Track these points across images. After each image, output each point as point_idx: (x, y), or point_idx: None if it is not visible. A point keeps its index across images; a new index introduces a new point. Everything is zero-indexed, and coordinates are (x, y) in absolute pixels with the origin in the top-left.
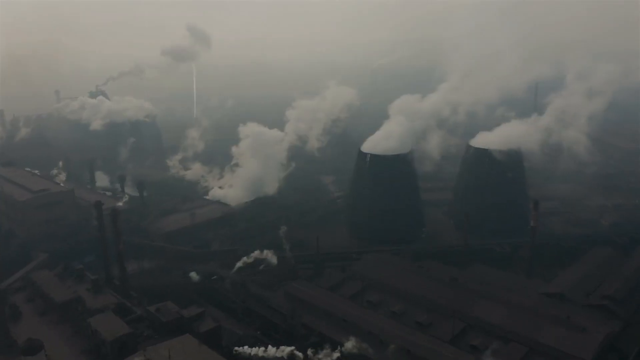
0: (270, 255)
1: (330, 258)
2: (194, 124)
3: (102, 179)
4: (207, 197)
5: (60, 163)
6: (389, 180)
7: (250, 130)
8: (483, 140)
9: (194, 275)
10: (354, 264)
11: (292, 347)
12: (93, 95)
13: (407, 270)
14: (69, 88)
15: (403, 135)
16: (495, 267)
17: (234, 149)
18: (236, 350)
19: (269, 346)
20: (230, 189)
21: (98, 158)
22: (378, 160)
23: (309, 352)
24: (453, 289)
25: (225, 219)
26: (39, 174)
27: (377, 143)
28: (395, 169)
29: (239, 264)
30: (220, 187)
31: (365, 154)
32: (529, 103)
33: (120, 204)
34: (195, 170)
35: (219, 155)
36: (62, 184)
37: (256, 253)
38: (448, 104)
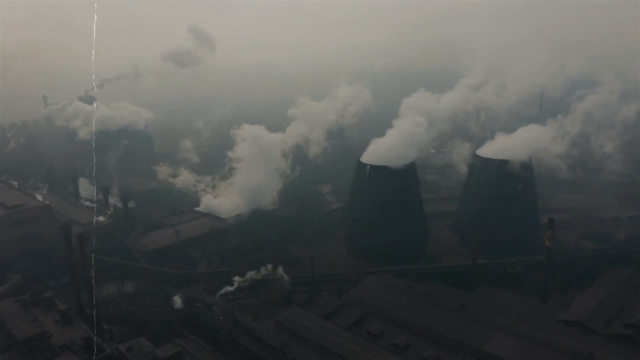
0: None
1: (327, 280)
2: (192, 130)
3: (89, 190)
4: (199, 209)
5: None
6: (391, 194)
7: (247, 133)
8: (490, 149)
9: (177, 300)
10: (352, 287)
11: None
12: (82, 100)
13: (411, 296)
14: (62, 91)
15: (406, 145)
16: (506, 289)
17: (229, 154)
18: None
19: None
20: (223, 199)
21: (85, 167)
22: (378, 172)
23: None
24: (462, 317)
25: (214, 235)
26: (17, 186)
27: (378, 153)
28: (397, 182)
29: (223, 290)
30: (215, 197)
31: (364, 165)
32: (533, 111)
33: (102, 218)
34: (185, 179)
35: (216, 162)
36: (41, 197)
37: (250, 274)
38: (468, 103)
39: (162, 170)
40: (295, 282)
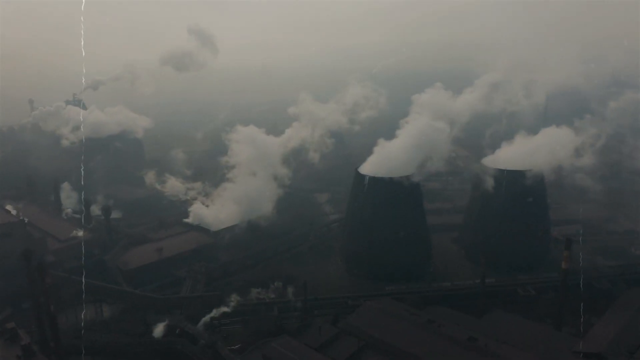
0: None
1: (321, 305)
2: (187, 134)
3: (74, 199)
4: (188, 220)
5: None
6: (391, 207)
7: (242, 136)
8: (498, 158)
9: (157, 329)
10: (349, 312)
11: None
12: (71, 104)
13: (414, 326)
14: (55, 92)
15: (408, 154)
16: (517, 313)
17: (223, 160)
18: None
19: None
20: (214, 209)
21: (71, 175)
22: (378, 183)
23: None
24: (471, 351)
25: (202, 251)
26: None
27: (378, 163)
28: (399, 194)
29: (206, 318)
30: (207, 205)
31: (363, 176)
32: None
33: (80, 233)
34: (174, 186)
35: (210, 168)
36: (18, 210)
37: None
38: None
39: (152, 178)
40: (286, 308)
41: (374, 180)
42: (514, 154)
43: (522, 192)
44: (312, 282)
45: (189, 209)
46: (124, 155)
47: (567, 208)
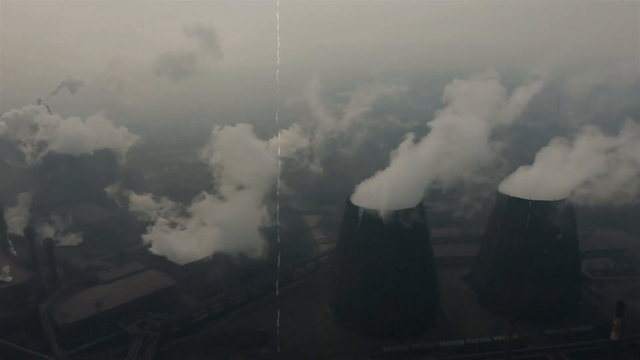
0: None
1: None
2: (170, 141)
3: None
4: (153, 250)
5: None
6: (391, 247)
7: (225, 138)
8: (518, 183)
9: None
10: None
11: None
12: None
13: None
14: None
15: (412, 183)
16: None
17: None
18: None
19: None
20: (184, 235)
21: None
22: (375, 217)
23: None
24: None
25: (161, 296)
26: None
27: (375, 191)
28: (400, 231)
29: None
30: (180, 226)
31: (356, 208)
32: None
33: (10, 278)
34: (144, 205)
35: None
36: None
37: None
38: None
39: (117, 194)
40: None
41: (370, 213)
42: (536, 179)
43: (550, 227)
44: (293, 337)
45: (151, 238)
46: (91, 168)
47: (593, 235)
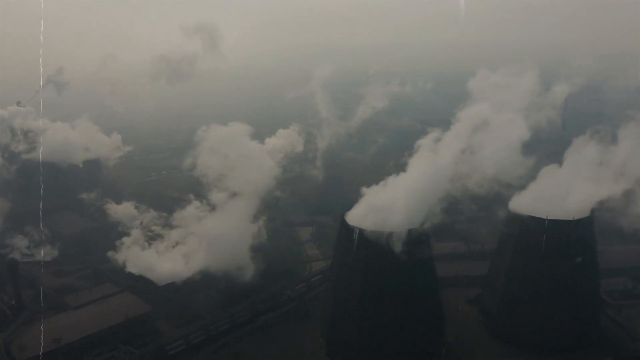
0: None
1: None
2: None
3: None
4: (128, 269)
5: None
6: (389, 272)
7: (214, 140)
8: (530, 199)
9: None
10: None
11: None
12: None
13: None
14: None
15: (414, 202)
16: None
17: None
18: None
19: None
20: (165, 252)
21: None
22: (372, 239)
23: None
24: None
25: (133, 324)
26: None
27: (373, 211)
28: (401, 255)
29: None
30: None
31: (352, 229)
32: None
33: None
34: (126, 215)
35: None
36: None
37: None
38: None
39: (103, 204)
40: None
41: (367, 235)
42: (550, 195)
43: (568, 249)
44: None
45: (122, 258)
46: (73, 174)
47: (610, 251)
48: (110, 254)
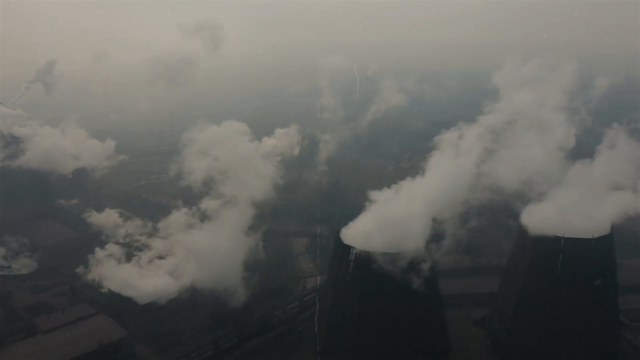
0: None
1: None
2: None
3: None
4: (105, 289)
5: None
6: (389, 296)
7: (206, 139)
8: (545, 213)
9: None
10: None
11: None
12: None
13: None
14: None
15: (418, 221)
16: None
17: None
18: None
19: None
20: (148, 264)
21: None
22: (371, 260)
23: None
24: None
25: (107, 352)
26: None
27: (370, 231)
28: (403, 278)
29: None
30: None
31: (348, 248)
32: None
33: None
34: (110, 224)
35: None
36: None
37: None
38: None
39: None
40: None
41: (365, 255)
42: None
43: (586, 270)
44: None
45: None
46: (57, 180)
47: (626, 265)
48: (79, 270)
